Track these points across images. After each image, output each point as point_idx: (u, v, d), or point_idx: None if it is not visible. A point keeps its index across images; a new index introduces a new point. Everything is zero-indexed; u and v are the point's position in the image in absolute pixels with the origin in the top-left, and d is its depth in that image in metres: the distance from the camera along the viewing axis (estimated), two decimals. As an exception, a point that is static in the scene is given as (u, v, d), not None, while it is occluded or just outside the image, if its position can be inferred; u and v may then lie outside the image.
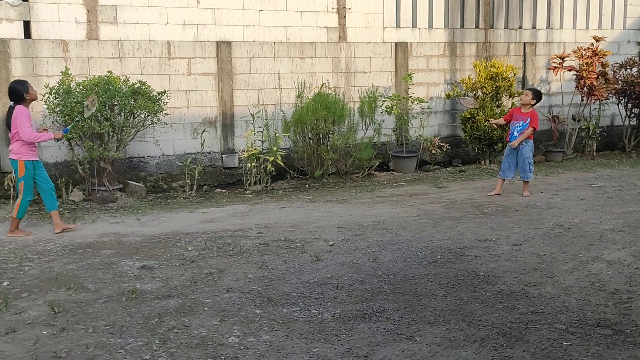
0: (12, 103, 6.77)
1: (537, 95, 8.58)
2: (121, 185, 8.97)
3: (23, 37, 8.82)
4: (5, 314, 4.56)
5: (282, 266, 5.62)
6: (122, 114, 8.58)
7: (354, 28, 11.03)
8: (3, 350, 3.95)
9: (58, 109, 8.32)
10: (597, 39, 11.82)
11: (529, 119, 8.44)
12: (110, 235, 6.80)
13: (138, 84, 8.76)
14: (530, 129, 8.43)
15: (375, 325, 4.31)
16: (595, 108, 12.50)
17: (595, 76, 11.67)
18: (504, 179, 8.69)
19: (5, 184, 8.21)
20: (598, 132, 12.27)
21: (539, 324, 4.28)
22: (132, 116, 8.67)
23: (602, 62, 11.87)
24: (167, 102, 9.13)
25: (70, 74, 8.66)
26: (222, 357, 3.84)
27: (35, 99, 6.96)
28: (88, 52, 9.14)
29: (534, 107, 8.61)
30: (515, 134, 8.51)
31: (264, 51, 10.27)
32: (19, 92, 6.74)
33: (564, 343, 3.99)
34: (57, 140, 7.29)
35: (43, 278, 5.36)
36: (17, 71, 8.73)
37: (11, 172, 8.26)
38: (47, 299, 4.84)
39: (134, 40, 9.42)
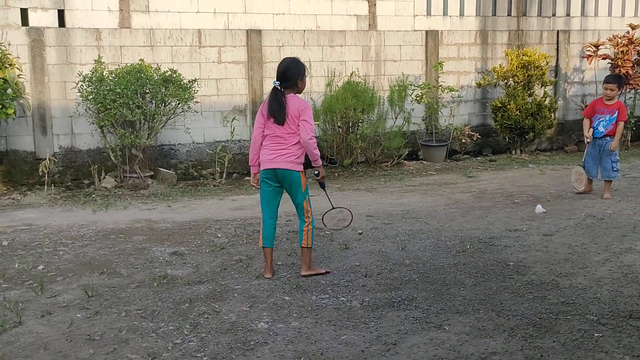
0: (277, 84, 4.98)
1: (621, 83, 7.79)
2: (152, 173, 9.07)
3: (57, 25, 8.95)
4: (41, 297, 4.67)
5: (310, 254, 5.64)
6: (154, 101, 8.66)
7: (384, 16, 10.97)
8: (39, 332, 4.05)
9: (91, 96, 8.43)
10: (633, 27, 11.57)
11: (617, 111, 7.51)
12: (142, 221, 6.90)
13: (169, 72, 8.83)
14: (621, 124, 7.55)
15: (403, 313, 4.31)
16: (630, 97, 12.25)
17: (631, 65, 11.44)
18: (592, 179, 7.81)
19: (40, 170, 8.37)
20: (633, 121, 12.04)
21: (569, 315, 4.25)
22: (163, 104, 8.75)
23: (638, 50, 11.62)
24: (197, 90, 9.18)
25: (103, 62, 8.77)
26: (252, 343, 3.88)
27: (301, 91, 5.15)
28: (120, 41, 9.24)
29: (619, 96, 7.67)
30: (601, 129, 7.56)
31: (293, 39, 10.27)
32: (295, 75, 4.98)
33: (595, 334, 3.95)
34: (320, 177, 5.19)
35: (77, 262, 5.47)
36: (52, 59, 8.87)
37: (45, 159, 8.42)
38: (81, 283, 4.94)
39: (165, 29, 9.50)
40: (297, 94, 5.05)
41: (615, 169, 7.63)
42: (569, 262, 5.35)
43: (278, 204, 5.16)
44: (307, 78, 5.10)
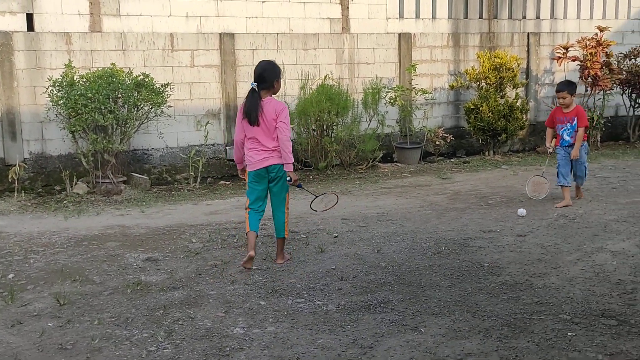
0: (254, 85, 5.23)
1: (573, 88, 7.45)
2: (125, 178, 8.98)
3: (26, 29, 8.81)
4: (11, 306, 4.58)
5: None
6: (126, 106, 8.58)
7: (357, 19, 11.00)
8: (10, 342, 3.97)
9: (62, 101, 8.31)
10: (601, 29, 11.76)
11: (576, 118, 7.32)
12: (115, 227, 6.82)
13: (141, 77, 8.76)
14: (581, 130, 7.34)
15: (379, 316, 4.32)
16: (600, 98, 12.45)
17: (600, 66, 11.62)
18: (569, 186, 7.46)
19: (9, 177, 8.23)
20: (602, 122, 12.23)
21: (543, 315, 4.29)
22: (135, 108, 8.67)
23: (607, 52, 11.82)
24: (170, 95, 9.12)
25: (74, 67, 8.66)
26: (227, 349, 3.85)
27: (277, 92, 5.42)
28: (91, 45, 9.13)
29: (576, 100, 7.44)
30: (566, 137, 7.40)
31: (267, 43, 10.25)
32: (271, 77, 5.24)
33: (569, 333, 3.99)
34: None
35: (48, 270, 5.38)
36: (21, 64, 8.73)
37: (15, 165, 8.28)
38: (52, 291, 4.86)
39: (137, 33, 9.41)
40: (274, 95, 5.35)
41: (585, 175, 7.65)
42: (542, 262, 5.40)
43: (267, 197, 5.46)
44: (281, 81, 5.36)
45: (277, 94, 5.46)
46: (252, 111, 5.18)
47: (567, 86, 7.44)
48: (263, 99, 5.22)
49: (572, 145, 7.42)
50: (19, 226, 6.93)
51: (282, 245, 5.50)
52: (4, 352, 3.84)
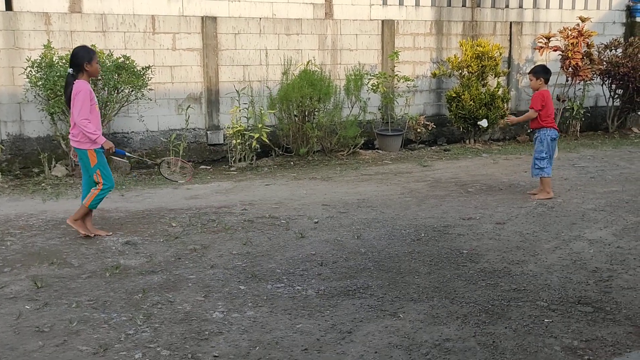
0: (70, 70, 5.60)
1: (535, 72, 7.15)
2: (105, 161, 8.88)
3: (4, 9, 8.66)
4: (-13, 288, 4.53)
5: (266, 243, 5.62)
6: (106, 88, 8.48)
7: (340, 5, 10.95)
8: (-15, 325, 3.93)
9: (40, 82, 8.20)
10: (583, 20, 11.83)
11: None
12: (94, 210, 6.73)
13: (122, 59, 8.65)
14: (529, 112, 7.20)
15: (359, 301, 4.33)
16: (580, 89, 12.55)
17: (581, 57, 11.70)
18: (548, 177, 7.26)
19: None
20: (582, 112, 12.34)
21: (521, 301, 4.33)
22: (115, 91, 8.57)
23: (588, 42, 11.89)
24: (151, 78, 9.03)
25: (53, 48, 8.53)
26: (206, 333, 3.85)
27: (95, 75, 5.79)
28: (71, 26, 9.00)
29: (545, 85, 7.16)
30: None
31: (249, 27, 10.17)
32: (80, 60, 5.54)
33: (545, 320, 4.04)
34: (104, 149, 5.67)
35: (25, 253, 5.32)
36: (-2, 44, 8.59)
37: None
38: (29, 274, 4.81)
39: (118, 14, 9.29)
40: (90, 78, 5.70)
41: (536, 166, 7.17)
42: (520, 249, 5.45)
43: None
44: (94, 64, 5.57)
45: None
46: (66, 96, 5.62)
47: (534, 69, 7.24)
48: (75, 81, 5.54)
49: (537, 129, 7.21)
50: (-5, 208, 6.85)
51: (80, 210, 5.76)
52: (-20, 334, 3.80)
